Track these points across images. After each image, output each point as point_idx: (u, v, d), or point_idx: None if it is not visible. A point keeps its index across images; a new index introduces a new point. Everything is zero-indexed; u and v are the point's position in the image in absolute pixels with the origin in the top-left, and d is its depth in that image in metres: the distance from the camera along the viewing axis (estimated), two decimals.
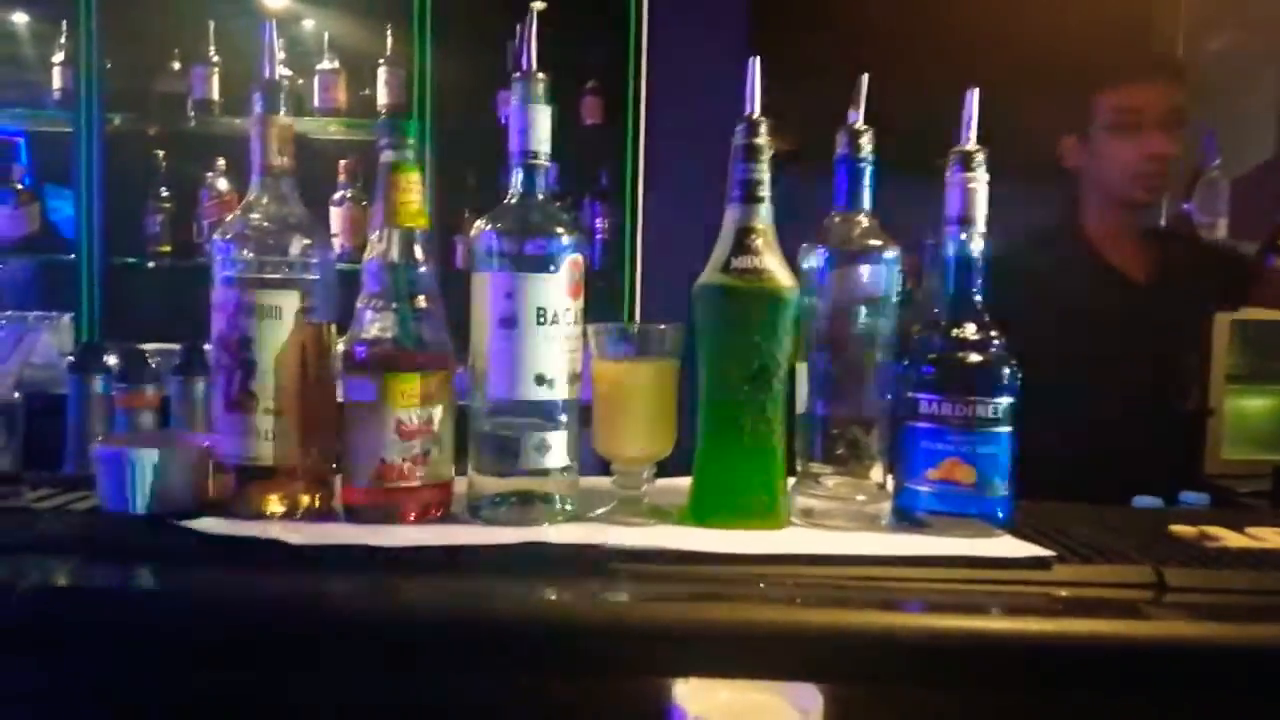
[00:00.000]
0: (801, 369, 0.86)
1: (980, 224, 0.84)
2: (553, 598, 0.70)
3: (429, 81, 2.88)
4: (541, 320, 0.79)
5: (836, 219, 0.86)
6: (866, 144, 0.85)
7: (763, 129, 0.83)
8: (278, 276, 0.79)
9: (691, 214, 2.70)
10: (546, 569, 0.73)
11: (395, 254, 0.80)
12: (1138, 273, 1.78)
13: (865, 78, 0.86)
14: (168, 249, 2.93)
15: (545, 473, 0.81)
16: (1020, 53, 2.65)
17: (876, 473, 0.86)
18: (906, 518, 0.84)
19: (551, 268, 0.79)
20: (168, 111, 3.01)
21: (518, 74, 0.82)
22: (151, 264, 2.91)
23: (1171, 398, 1.80)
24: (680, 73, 2.80)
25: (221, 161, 2.93)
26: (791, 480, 0.86)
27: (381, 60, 3.02)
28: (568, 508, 0.83)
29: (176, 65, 3.01)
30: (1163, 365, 1.76)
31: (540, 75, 0.82)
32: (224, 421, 0.79)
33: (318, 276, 0.81)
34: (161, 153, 2.97)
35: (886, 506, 0.85)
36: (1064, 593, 0.72)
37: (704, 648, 0.70)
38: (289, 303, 0.79)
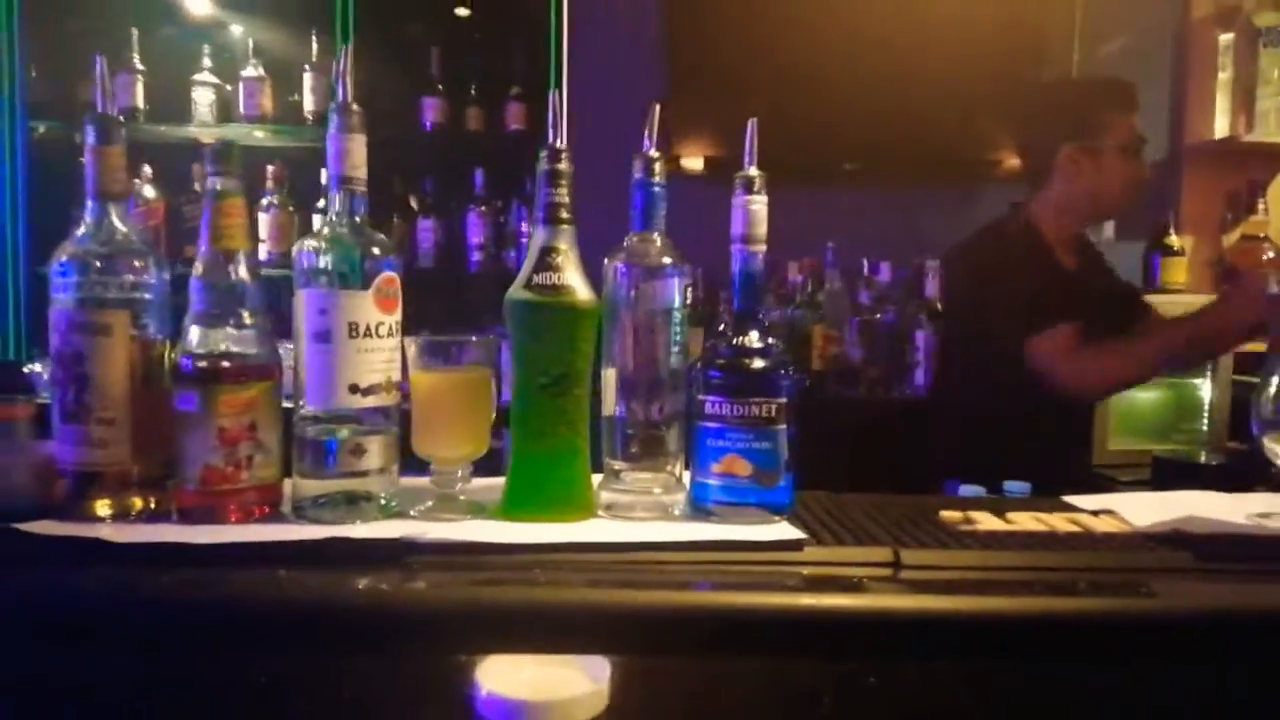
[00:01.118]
0: (608, 374, 0.94)
1: (761, 242, 0.93)
2: (351, 586, 0.77)
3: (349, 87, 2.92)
4: (354, 334, 0.86)
5: (635, 238, 0.94)
6: (659, 170, 0.93)
7: (564, 157, 0.91)
8: (109, 296, 0.86)
9: (612, 218, 2.79)
10: (351, 561, 0.80)
11: (219, 274, 0.87)
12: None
13: (657, 107, 0.94)
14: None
15: (363, 474, 0.88)
16: (914, 63, 2.76)
17: (676, 468, 0.95)
18: (698, 508, 0.92)
19: (363, 285, 0.86)
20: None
21: (334, 105, 0.89)
22: None
23: None
24: (598, 81, 2.88)
25: (148, 169, 2.96)
26: (599, 477, 0.94)
27: (307, 66, 3.06)
28: (390, 505, 0.90)
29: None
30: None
31: (355, 107, 0.90)
32: (61, 431, 0.86)
33: (149, 296, 0.88)
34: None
35: (681, 498, 0.94)
36: (806, 571, 0.80)
37: (502, 627, 0.77)
38: (120, 320, 0.86)
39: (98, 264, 0.86)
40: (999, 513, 0.96)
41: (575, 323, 0.88)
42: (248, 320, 0.88)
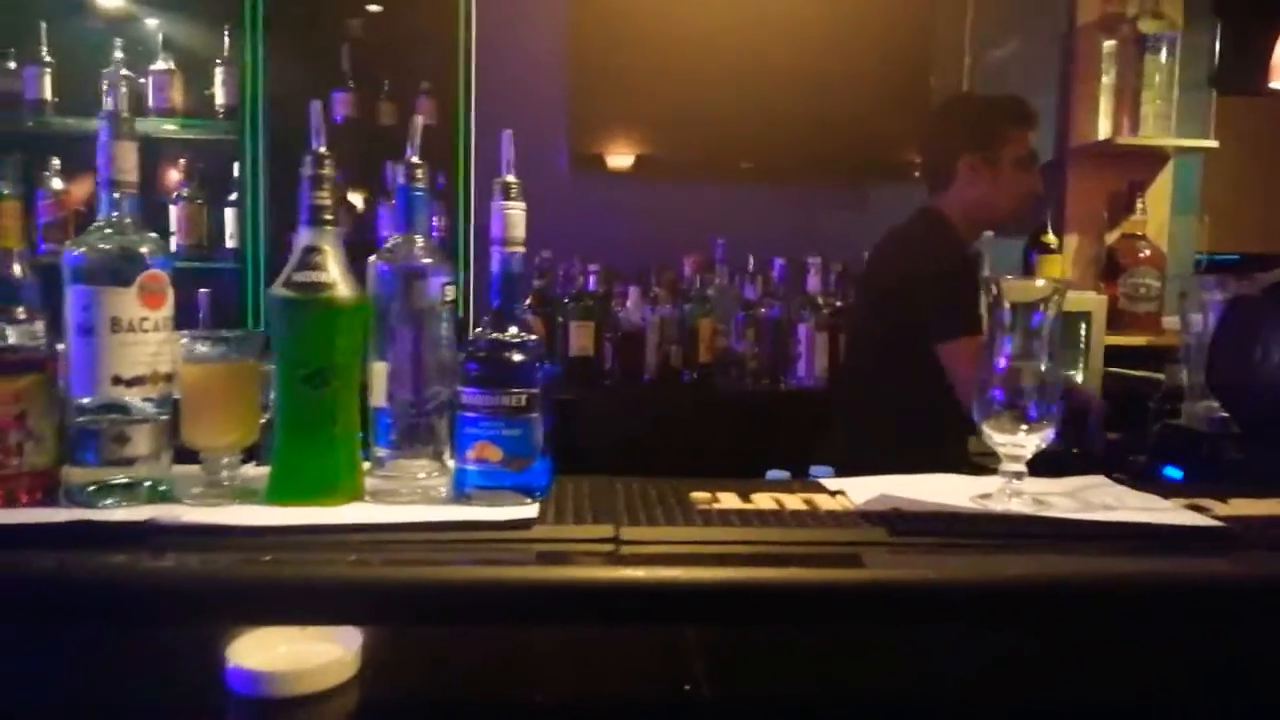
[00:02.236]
0: (378, 368, 1.00)
1: (519, 244, 0.99)
2: (92, 563, 0.83)
3: (261, 82, 2.97)
4: (116, 329, 0.92)
5: (399, 239, 1.00)
6: (421, 177, 0.99)
7: (327, 163, 0.96)
8: None
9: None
10: (100, 541, 0.86)
11: None
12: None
13: (419, 119, 1.00)
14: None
15: (129, 461, 0.94)
16: (809, 66, 2.83)
17: (446, 457, 1.01)
18: (460, 493, 0.98)
19: (125, 283, 0.92)
20: (6, 112, 3.05)
21: (105, 114, 0.94)
22: None
23: None
24: (505, 80, 2.93)
25: (56, 161, 2.98)
26: (370, 464, 1.01)
27: (219, 61, 3.09)
28: (159, 491, 0.96)
29: (12, 65, 3.05)
30: None
31: (125, 115, 0.95)
32: None
33: None
34: None
35: (444, 483, 1.00)
36: (537, 548, 0.87)
37: (238, 600, 0.83)
38: None
39: None
40: (745, 494, 1.03)
41: (332, 319, 0.94)
42: (20, 315, 0.93)
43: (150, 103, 3.06)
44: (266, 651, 0.92)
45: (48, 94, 3.02)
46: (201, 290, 2.85)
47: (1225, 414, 1.58)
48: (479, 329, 0.99)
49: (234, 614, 0.86)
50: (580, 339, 2.51)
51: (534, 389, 0.97)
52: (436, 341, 1.00)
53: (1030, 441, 1.02)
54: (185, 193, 3.09)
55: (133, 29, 3.12)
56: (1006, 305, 1.02)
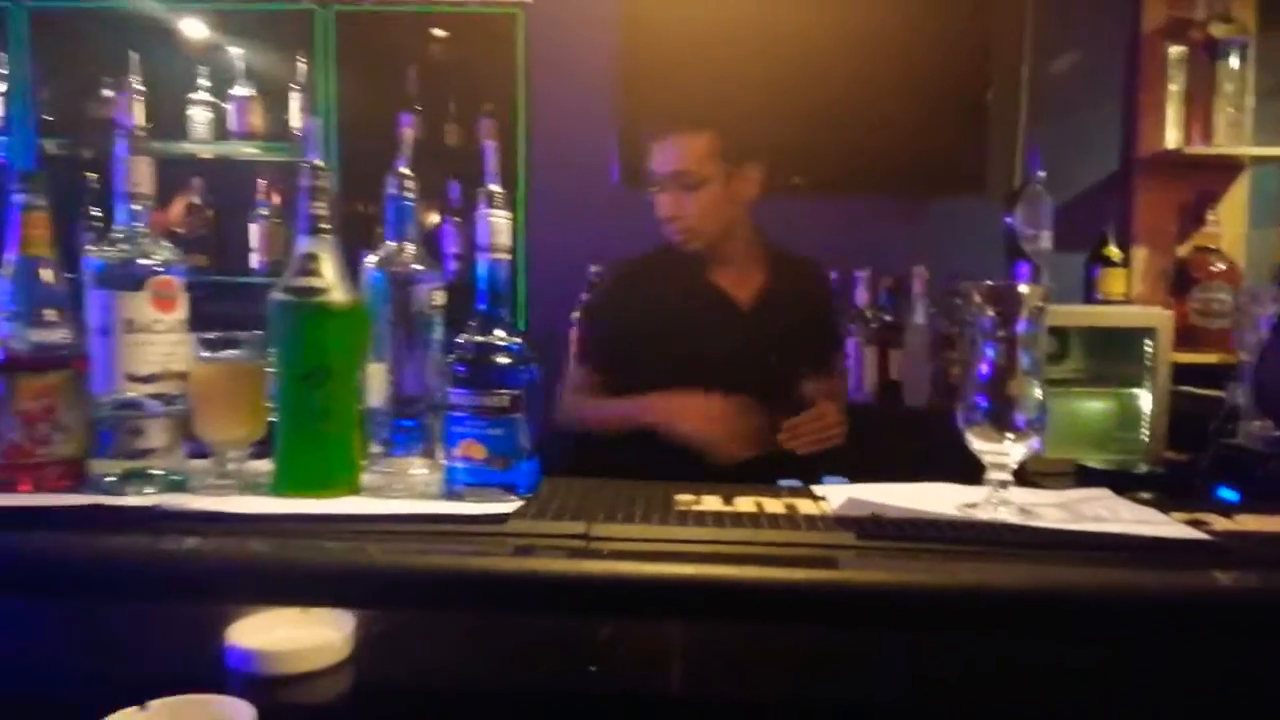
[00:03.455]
0: (374, 369, 1.06)
1: (504, 251, 1.03)
2: (99, 544, 0.90)
3: (333, 106, 3.11)
4: (130, 330, 0.99)
5: (392, 246, 1.05)
6: (410, 187, 1.04)
7: (323, 175, 1.02)
8: None
9: (570, 230, 2.91)
10: (108, 525, 0.93)
11: (26, 277, 1.01)
12: (743, 296, 1.96)
13: (409, 132, 1.05)
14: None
15: (144, 453, 1.01)
16: (863, 78, 2.82)
17: (437, 454, 1.06)
18: (449, 489, 1.03)
19: (138, 287, 1.00)
20: (99, 136, 3.27)
21: (119, 130, 1.03)
22: None
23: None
24: (560, 101, 3.00)
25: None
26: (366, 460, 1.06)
27: (295, 86, 3.25)
28: (172, 481, 1.03)
29: (108, 93, 3.27)
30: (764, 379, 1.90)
31: (140, 132, 1.03)
32: None
33: None
34: (93, 175, 3.22)
35: (436, 479, 1.05)
36: (511, 541, 0.90)
37: (235, 582, 0.89)
38: None
39: None
40: (728, 498, 1.05)
41: (326, 322, 1.00)
42: (51, 317, 1.02)
43: (233, 127, 3.23)
44: (264, 633, 0.98)
45: (140, 119, 3.20)
46: None
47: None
48: (465, 333, 1.04)
49: (229, 593, 0.91)
50: None
51: (518, 390, 1.00)
52: (427, 344, 1.04)
53: (1015, 450, 1.01)
54: (264, 212, 3.24)
55: (216, 58, 3.31)
56: (989, 312, 1.02)
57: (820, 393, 1.94)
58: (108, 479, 1.01)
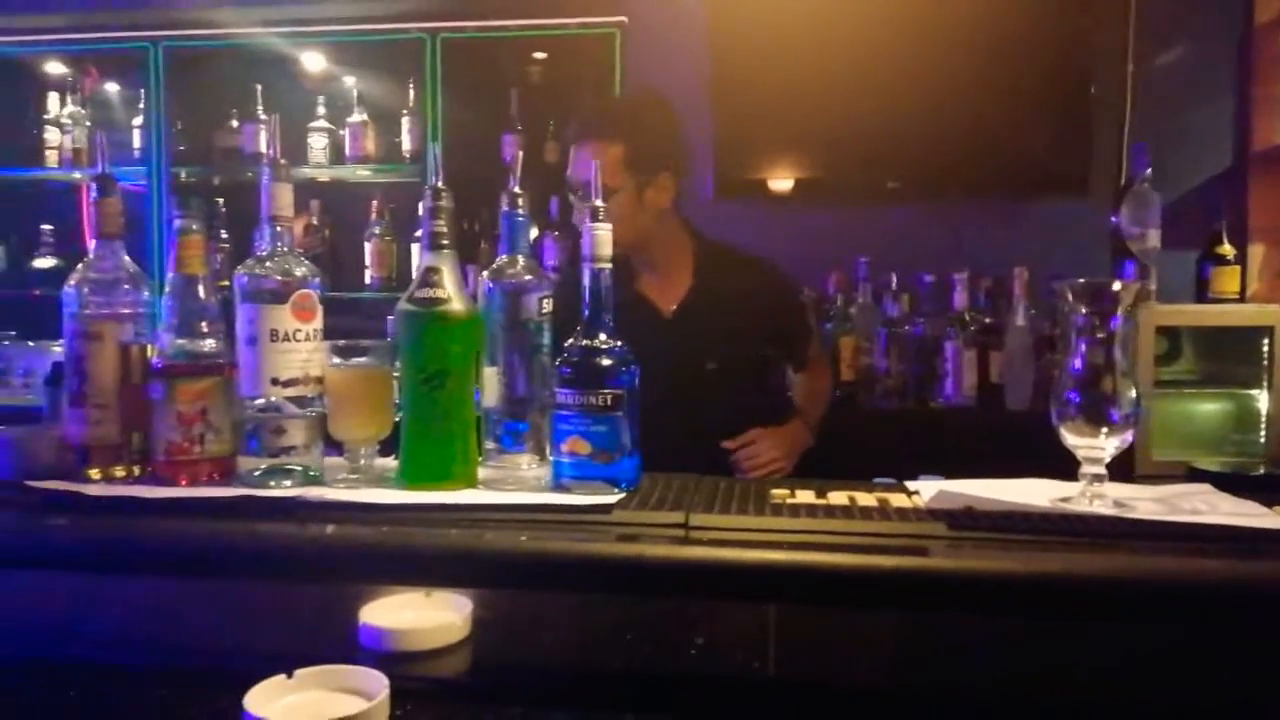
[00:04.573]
0: (489, 372, 1.14)
1: (606, 261, 1.10)
2: (249, 530, 1.00)
3: (440, 128, 3.26)
4: (274, 339, 1.10)
5: (503, 259, 1.13)
6: (522, 204, 1.12)
7: (444, 195, 1.11)
8: (103, 313, 1.13)
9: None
10: (257, 514, 1.03)
11: (183, 293, 1.13)
12: (666, 302, 1.96)
13: (519, 154, 1.13)
14: (225, 283, 3.41)
15: (287, 450, 1.12)
16: (960, 78, 2.81)
17: (547, 450, 1.13)
18: (557, 483, 1.10)
19: (282, 300, 1.10)
20: (227, 164, 3.51)
21: (265, 160, 1.14)
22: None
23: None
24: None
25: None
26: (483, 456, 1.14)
27: (405, 111, 3.42)
28: (311, 475, 1.13)
29: (235, 123, 3.50)
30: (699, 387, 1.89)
31: (283, 161, 1.14)
32: (69, 414, 1.14)
33: (133, 311, 1.15)
34: (221, 200, 3.46)
35: (545, 474, 1.12)
36: (616, 530, 0.97)
37: (370, 564, 0.98)
38: (110, 331, 1.13)
39: (97, 288, 1.13)
40: (822, 492, 1.09)
41: (446, 329, 1.09)
42: (204, 329, 1.13)
43: (347, 151, 3.42)
44: (392, 614, 1.07)
45: (263, 148, 3.43)
46: (390, 316, 3.15)
47: None
48: (572, 338, 1.11)
49: (361, 575, 1.01)
50: None
51: (620, 390, 1.07)
52: (537, 349, 1.12)
53: (1109, 444, 1.03)
54: (377, 230, 3.42)
55: (334, 87, 3.51)
56: (1081, 308, 1.04)
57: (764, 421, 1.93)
58: (255, 473, 1.12)
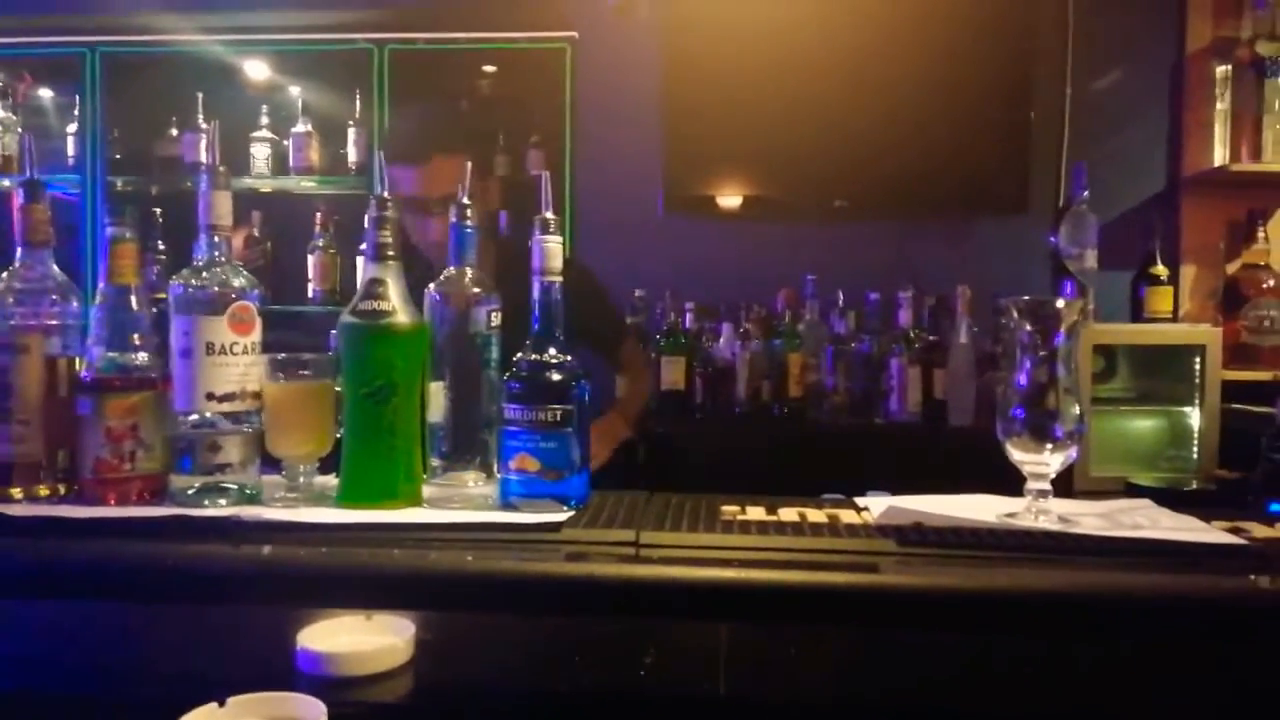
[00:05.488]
0: (435, 387, 1.11)
1: (556, 275, 1.09)
2: (178, 552, 0.96)
3: (387, 140, 3.21)
4: (210, 352, 1.06)
5: (452, 272, 1.11)
6: (470, 216, 1.10)
7: (389, 205, 1.09)
8: (29, 324, 1.09)
9: (616, 257, 2.97)
10: (187, 535, 0.99)
11: (114, 304, 1.09)
12: None
13: (469, 164, 1.12)
14: (162, 295, 3.31)
15: (222, 468, 1.08)
16: (904, 100, 2.85)
17: (494, 468, 1.11)
18: (504, 500, 1.08)
19: (218, 312, 1.07)
20: (166, 174, 3.42)
21: (204, 167, 1.10)
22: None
23: None
24: (602, 129, 3.08)
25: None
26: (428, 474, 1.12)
27: (351, 122, 3.37)
28: (248, 494, 1.09)
29: (174, 132, 3.42)
30: None
31: (222, 168, 1.11)
32: None
33: (61, 322, 1.10)
34: (159, 210, 3.37)
35: (492, 491, 1.10)
36: (563, 549, 0.95)
37: (319, 589, 0.95)
38: (36, 343, 1.08)
39: (21, 299, 1.09)
40: (772, 508, 1.09)
41: (391, 342, 1.06)
42: (136, 341, 1.09)
43: (291, 162, 3.36)
44: (331, 638, 1.04)
45: (203, 156, 3.35)
46: (333, 331, 3.09)
47: None
48: (521, 352, 1.09)
49: (299, 598, 0.98)
50: (671, 374, 2.59)
51: (569, 406, 1.05)
52: (485, 363, 1.10)
53: (1054, 460, 1.04)
54: (321, 243, 3.35)
55: (278, 96, 3.44)
56: (1026, 325, 1.05)
57: None
58: (188, 492, 1.08)
